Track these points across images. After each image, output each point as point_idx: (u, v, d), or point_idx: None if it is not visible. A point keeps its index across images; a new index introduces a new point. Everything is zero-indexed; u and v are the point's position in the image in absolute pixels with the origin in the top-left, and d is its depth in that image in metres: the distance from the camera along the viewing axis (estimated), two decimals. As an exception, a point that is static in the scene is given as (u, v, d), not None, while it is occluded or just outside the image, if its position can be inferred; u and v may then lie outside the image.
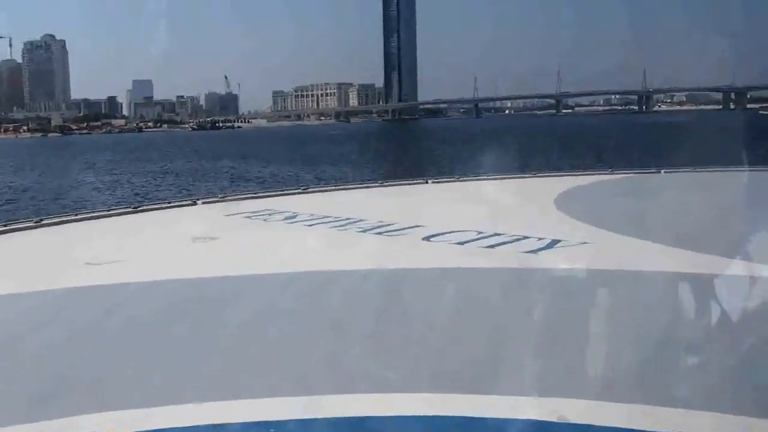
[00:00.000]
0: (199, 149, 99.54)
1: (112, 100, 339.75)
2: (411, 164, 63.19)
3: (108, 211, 14.37)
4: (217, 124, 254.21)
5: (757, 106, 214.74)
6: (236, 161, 72.86)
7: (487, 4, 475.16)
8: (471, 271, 8.02)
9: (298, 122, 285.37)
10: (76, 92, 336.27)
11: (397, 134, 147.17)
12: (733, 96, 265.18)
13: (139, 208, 14.52)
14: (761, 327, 5.91)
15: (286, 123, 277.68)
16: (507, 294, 7.12)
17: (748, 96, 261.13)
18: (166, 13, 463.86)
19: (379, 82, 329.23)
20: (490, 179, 18.44)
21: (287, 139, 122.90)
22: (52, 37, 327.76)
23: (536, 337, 5.79)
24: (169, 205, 14.97)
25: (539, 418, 4.22)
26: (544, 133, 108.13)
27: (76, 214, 13.75)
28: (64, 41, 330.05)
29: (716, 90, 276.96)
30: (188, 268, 8.60)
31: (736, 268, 7.69)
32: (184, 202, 15.41)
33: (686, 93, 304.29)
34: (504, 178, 18.49)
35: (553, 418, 4.17)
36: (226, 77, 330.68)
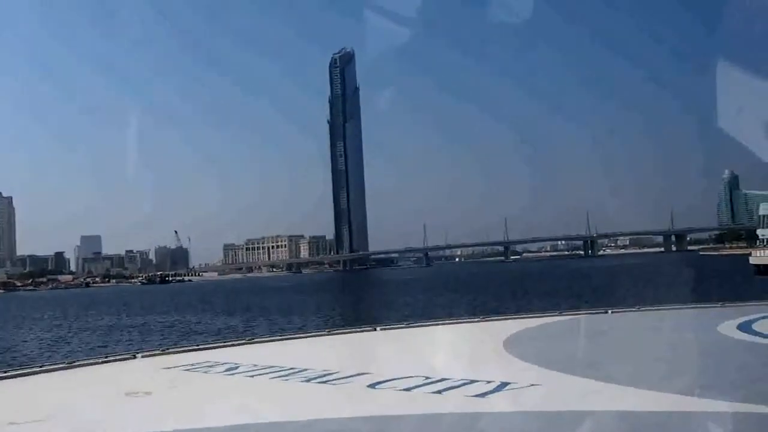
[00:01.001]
0: (145, 304, 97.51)
1: (59, 256, 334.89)
2: (360, 312, 62.99)
3: (40, 367, 13.66)
4: (167, 278, 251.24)
5: (696, 247, 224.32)
6: (181, 314, 71.28)
7: (436, 156, 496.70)
8: (415, 418, 7.73)
9: (250, 274, 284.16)
10: (23, 248, 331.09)
11: (348, 284, 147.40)
12: (673, 239, 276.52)
13: (74, 364, 13.88)
14: None
15: (237, 275, 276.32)
16: None
17: (688, 238, 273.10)
18: (116, 168, 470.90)
19: (330, 233, 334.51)
20: (440, 324, 18.36)
21: (236, 291, 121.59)
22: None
23: None
24: (105, 359, 14.38)
25: None
26: (493, 279, 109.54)
27: (6, 371, 13.07)
28: (10, 198, 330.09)
29: (658, 233, 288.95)
30: (116, 426, 8.10)
31: (681, 404, 7.61)
32: (123, 356, 14.88)
33: (629, 237, 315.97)
34: (453, 323, 18.47)
35: None
36: (176, 232, 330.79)
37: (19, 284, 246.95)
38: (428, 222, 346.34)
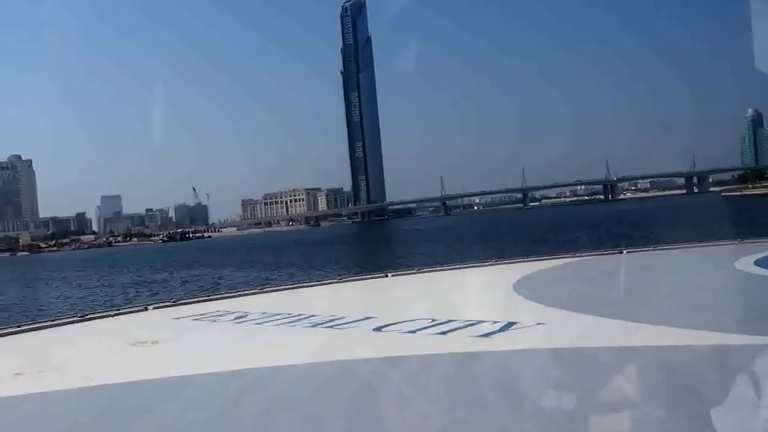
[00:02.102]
0: (168, 260, 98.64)
1: (80, 217, 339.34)
2: (376, 260, 63.23)
3: (52, 321, 13.76)
4: (187, 235, 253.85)
5: (719, 188, 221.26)
6: (202, 269, 71.96)
7: (451, 102, 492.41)
8: (417, 358, 7.64)
9: (269, 229, 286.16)
10: (45, 210, 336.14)
11: (366, 235, 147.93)
12: (695, 180, 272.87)
13: (86, 317, 13.96)
14: (695, 389, 5.75)
15: (256, 230, 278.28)
16: (451, 379, 6.75)
17: (710, 179, 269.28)
18: (133, 127, 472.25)
19: (347, 185, 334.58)
20: (452, 269, 18.22)
21: (256, 246, 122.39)
22: (18, 157, 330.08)
23: (474, 419, 5.43)
24: (118, 312, 14.45)
25: None
26: (512, 225, 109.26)
27: (19, 326, 13.17)
28: (30, 161, 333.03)
29: (679, 175, 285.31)
30: (118, 374, 8.11)
31: (684, 338, 7.49)
32: (136, 308, 14.95)
33: (650, 180, 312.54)
34: (466, 268, 18.29)
35: None
36: (194, 189, 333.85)
37: (43, 246, 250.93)
38: (446, 171, 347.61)
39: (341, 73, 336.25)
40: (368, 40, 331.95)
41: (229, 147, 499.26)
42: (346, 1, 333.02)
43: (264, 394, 6.84)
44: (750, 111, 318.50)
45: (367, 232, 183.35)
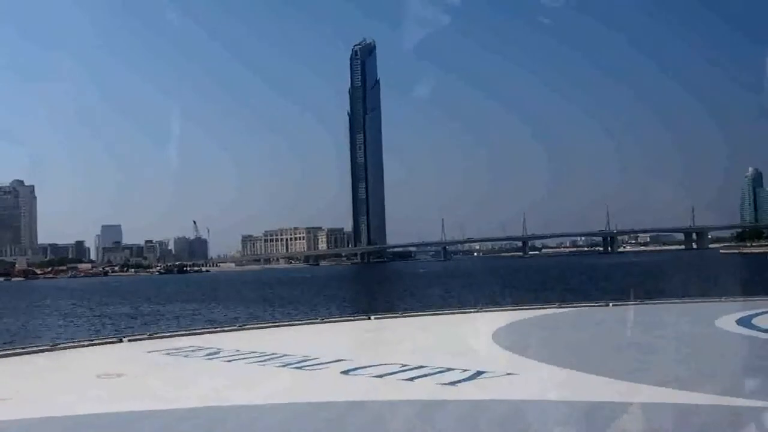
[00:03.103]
0: (162, 293, 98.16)
1: (79, 245, 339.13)
2: (366, 302, 62.82)
3: (23, 348, 13.58)
4: (184, 268, 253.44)
5: (718, 245, 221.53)
6: (192, 303, 71.52)
7: (455, 151, 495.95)
8: (377, 404, 7.50)
9: (267, 266, 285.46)
10: (44, 237, 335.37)
11: (364, 277, 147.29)
12: (694, 236, 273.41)
13: (58, 346, 13.78)
14: None
15: (255, 267, 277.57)
16: (403, 427, 6.61)
17: (710, 236, 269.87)
18: (138, 160, 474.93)
19: (348, 226, 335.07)
20: (436, 315, 18.08)
21: (251, 283, 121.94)
22: (21, 182, 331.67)
23: None
24: (91, 342, 14.28)
25: None
26: (510, 273, 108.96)
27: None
28: (33, 186, 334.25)
29: (678, 230, 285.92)
30: (70, 406, 7.94)
31: (653, 395, 7.35)
32: (110, 339, 14.78)
33: (650, 234, 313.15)
34: (450, 314, 18.16)
35: None
36: (195, 222, 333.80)
37: (39, 272, 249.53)
38: (447, 217, 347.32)
39: (348, 114, 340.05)
40: (377, 82, 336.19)
41: (231, 183, 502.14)
42: (356, 44, 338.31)
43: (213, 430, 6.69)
44: (750, 170, 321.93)
45: (366, 272, 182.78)
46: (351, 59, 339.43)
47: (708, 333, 13.03)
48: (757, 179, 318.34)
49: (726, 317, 14.03)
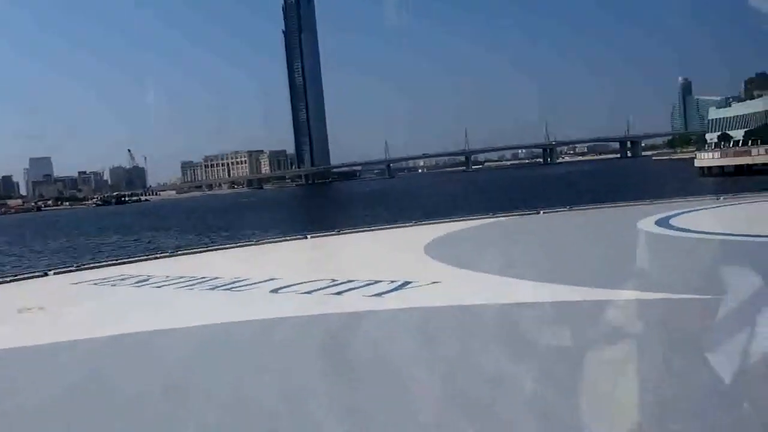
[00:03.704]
0: (97, 225, 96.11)
1: (6, 180, 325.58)
2: (306, 223, 62.95)
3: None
4: (123, 199, 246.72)
5: (651, 153, 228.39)
6: (128, 235, 70.33)
7: (396, 67, 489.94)
8: (301, 319, 7.57)
9: (210, 192, 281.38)
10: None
11: (307, 198, 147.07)
12: (629, 145, 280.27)
13: None
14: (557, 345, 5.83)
15: (196, 193, 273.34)
16: (325, 338, 6.71)
17: (643, 144, 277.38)
18: (68, 86, 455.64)
19: (291, 148, 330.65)
20: (371, 230, 18.20)
21: (191, 210, 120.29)
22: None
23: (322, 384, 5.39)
24: (14, 277, 13.93)
25: None
26: (451, 188, 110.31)
27: None
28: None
29: (614, 140, 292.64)
30: None
31: (572, 294, 7.61)
32: (35, 273, 14.42)
33: (587, 144, 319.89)
34: (386, 229, 18.31)
35: None
36: (129, 151, 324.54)
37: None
38: (390, 134, 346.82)
39: (282, 32, 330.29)
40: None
41: (169, 108, 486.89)
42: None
43: (132, 359, 6.64)
44: (680, 79, 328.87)
45: (310, 193, 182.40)
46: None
47: (627, 234, 13.49)
48: (686, 88, 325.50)
49: (647, 219, 14.53)
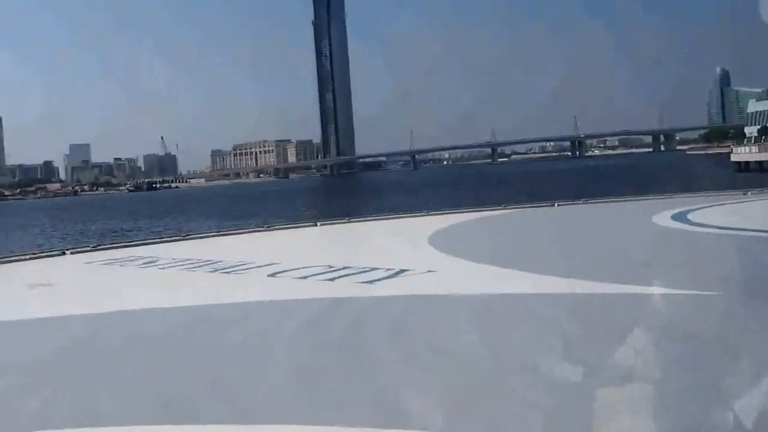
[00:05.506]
0: (127, 209, 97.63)
1: (48, 165, 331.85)
2: (322, 210, 63.09)
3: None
4: (154, 185, 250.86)
5: (686, 147, 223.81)
6: (153, 219, 71.27)
7: (422, 56, 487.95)
8: (285, 303, 7.69)
9: (237, 180, 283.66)
10: (12, 158, 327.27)
11: (330, 187, 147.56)
12: (662, 138, 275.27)
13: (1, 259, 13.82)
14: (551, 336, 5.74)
15: (225, 182, 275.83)
16: (306, 323, 6.78)
17: (677, 138, 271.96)
18: (103, 77, 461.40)
19: (317, 137, 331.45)
20: (382, 219, 18.25)
21: (219, 197, 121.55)
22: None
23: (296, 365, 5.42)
24: (33, 255, 14.28)
25: None
26: (476, 180, 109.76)
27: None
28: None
29: (646, 133, 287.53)
30: None
31: (572, 287, 7.48)
32: (53, 252, 14.81)
33: (618, 137, 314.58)
34: (397, 218, 18.31)
35: None
36: (162, 138, 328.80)
37: (7, 194, 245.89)
38: (416, 125, 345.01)
39: (312, 22, 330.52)
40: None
41: (198, 98, 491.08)
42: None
43: (116, 335, 6.80)
44: (718, 69, 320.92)
45: (333, 183, 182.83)
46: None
47: (638, 227, 13.32)
48: (724, 78, 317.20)
49: (665, 213, 14.27)
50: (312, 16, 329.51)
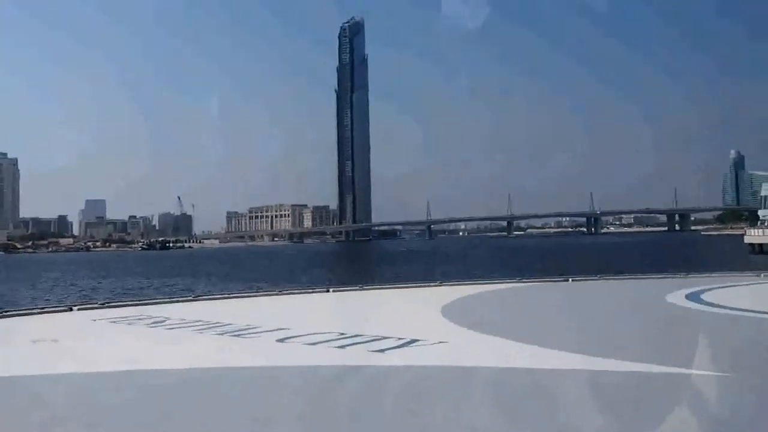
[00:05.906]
0: (137, 268, 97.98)
1: (62, 219, 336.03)
2: (335, 276, 62.92)
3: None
4: (167, 244, 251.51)
5: (700, 227, 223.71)
6: (164, 278, 71.38)
7: (440, 129, 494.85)
8: (297, 369, 7.50)
9: (251, 243, 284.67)
10: (27, 211, 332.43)
11: (345, 254, 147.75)
12: (677, 218, 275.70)
13: (6, 313, 13.69)
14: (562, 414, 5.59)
15: (238, 243, 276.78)
16: (313, 390, 6.62)
17: (692, 218, 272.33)
18: (123, 134, 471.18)
19: (334, 203, 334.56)
20: (394, 288, 18.09)
21: (231, 258, 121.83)
22: (4, 155, 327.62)
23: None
24: (41, 310, 14.20)
25: None
26: (490, 253, 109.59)
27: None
28: (16, 159, 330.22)
29: (661, 212, 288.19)
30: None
31: (564, 360, 7.37)
32: (60, 308, 14.70)
33: (633, 215, 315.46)
34: (409, 287, 18.15)
35: None
36: (179, 198, 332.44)
37: (19, 246, 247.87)
38: (432, 196, 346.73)
39: (335, 91, 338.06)
40: (364, 60, 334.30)
41: (217, 159, 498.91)
42: (345, 22, 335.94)
43: (117, 395, 6.64)
44: (733, 152, 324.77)
45: (348, 250, 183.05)
46: (339, 37, 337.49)
47: (652, 306, 13.11)
48: (739, 162, 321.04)
49: (678, 292, 14.11)
50: (335, 86, 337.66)
